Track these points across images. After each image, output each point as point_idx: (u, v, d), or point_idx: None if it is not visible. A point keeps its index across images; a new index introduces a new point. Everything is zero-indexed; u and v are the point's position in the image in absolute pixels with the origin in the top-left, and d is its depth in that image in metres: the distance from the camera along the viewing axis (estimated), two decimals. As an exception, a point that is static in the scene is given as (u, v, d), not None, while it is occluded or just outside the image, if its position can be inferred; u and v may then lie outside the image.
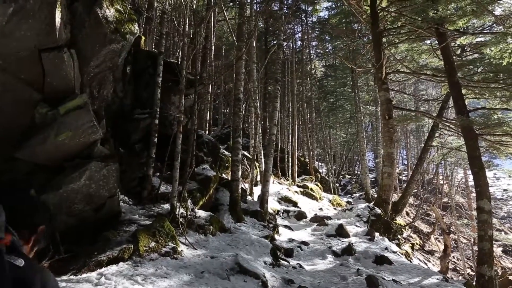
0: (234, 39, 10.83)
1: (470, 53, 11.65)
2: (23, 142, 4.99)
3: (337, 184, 22.73)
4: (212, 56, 15.57)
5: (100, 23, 5.64)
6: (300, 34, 22.58)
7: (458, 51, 11.62)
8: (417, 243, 12.82)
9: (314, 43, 25.37)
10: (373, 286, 4.78)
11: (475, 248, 10.28)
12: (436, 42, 10.20)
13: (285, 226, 9.39)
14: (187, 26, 9.41)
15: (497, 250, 15.95)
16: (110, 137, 6.42)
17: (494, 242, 7.97)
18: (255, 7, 14.57)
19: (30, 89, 5.01)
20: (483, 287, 6.97)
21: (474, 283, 7.18)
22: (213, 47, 15.59)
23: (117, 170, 5.70)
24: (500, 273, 11.19)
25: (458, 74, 9.24)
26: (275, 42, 16.67)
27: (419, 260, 10.64)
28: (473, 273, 11.50)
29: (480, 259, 7.38)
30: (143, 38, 9.17)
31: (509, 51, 7.31)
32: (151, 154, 7.10)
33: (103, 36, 5.79)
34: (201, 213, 6.76)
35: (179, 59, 11.08)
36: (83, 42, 5.54)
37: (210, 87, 14.71)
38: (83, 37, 5.54)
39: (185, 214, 6.23)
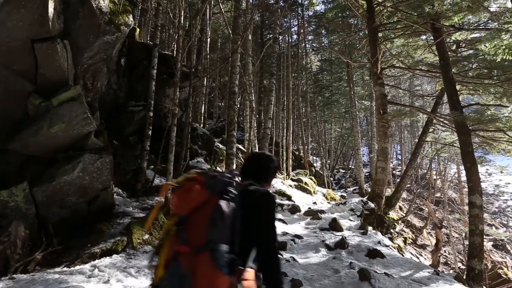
0: (230, 32, 10.77)
1: (465, 49, 11.65)
2: (15, 134, 4.94)
3: (331, 178, 22.84)
4: (208, 49, 15.48)
5: (94, 14, 5.57)
6: (296, 28, 22.43)
7: (453, 47, 11.63)
8: (409, 237, 12.95)
9: (310, 37, 25.27)
10: (365, 279, 4.83)
11: (466, 242, 10.40)
12: (432, 37, 10.20)
13: (279, 220, 9.41)
14: (182, 19, 9.33)
15: (488, 245, 16.19)
16: (104, 129, 6.39)
17: (484, 236, 8.07)
18: (251, 0, 14.48)
19: (23, 80, 4.96)
20: (473, 280, 7.07)
21: (464, 277, 7.28)
22: (208, 40, 15.50)
23: (111, 162, 5.68)
24: (490, 267, 11.38)
25: (453, 70, 9.26)
26: (271, 35, 16.61)
27: (411, 254, 10.76)
28: (463, 267, 11.66)
29: (471, 253, 7.46)
30: (137, 30, 9.08)
31: (503, 47, 7.32)
32: (145, 146, 7.08)
33: (97, 27, 5.73)
34: (195, 206, 6.75)
35: (174, 52, 10.98)
36: (76, 33, 5.48)
37: (205, 80, 14.62)
38: (76, 28, 5.47)
39: (179, 207, 6.22)
